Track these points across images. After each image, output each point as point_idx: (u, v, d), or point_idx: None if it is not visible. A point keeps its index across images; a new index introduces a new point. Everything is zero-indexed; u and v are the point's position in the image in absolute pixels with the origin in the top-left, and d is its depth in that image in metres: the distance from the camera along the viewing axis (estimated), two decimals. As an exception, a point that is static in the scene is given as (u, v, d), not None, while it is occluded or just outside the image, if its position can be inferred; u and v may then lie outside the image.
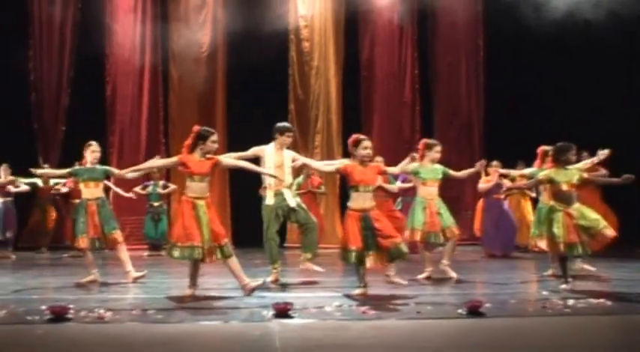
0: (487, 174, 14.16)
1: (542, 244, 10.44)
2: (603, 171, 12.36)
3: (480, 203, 15.21)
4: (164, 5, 18.34)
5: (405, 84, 18.56)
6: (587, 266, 11.51)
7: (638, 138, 15.30)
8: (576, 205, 9.90)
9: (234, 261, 9.41)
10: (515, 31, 14.92)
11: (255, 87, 17.27)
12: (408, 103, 18.50)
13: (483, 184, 14.13)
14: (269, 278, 10.63)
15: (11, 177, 14.38)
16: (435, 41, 18.72)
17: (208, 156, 9.45)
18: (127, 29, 18.12)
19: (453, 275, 11.10)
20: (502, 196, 14.31)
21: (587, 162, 11.25)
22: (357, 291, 9.35)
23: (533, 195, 14.73)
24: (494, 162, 14.34)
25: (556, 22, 13.53)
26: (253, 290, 9.33)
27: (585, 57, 15.50)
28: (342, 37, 18.51)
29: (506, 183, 13.78)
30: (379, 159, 13.78)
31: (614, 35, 13.69)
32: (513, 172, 12.95)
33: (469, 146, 18.25)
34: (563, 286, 9.78)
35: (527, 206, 15.64)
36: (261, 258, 11.32)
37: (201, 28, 18.15)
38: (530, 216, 14.76)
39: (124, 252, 11.01)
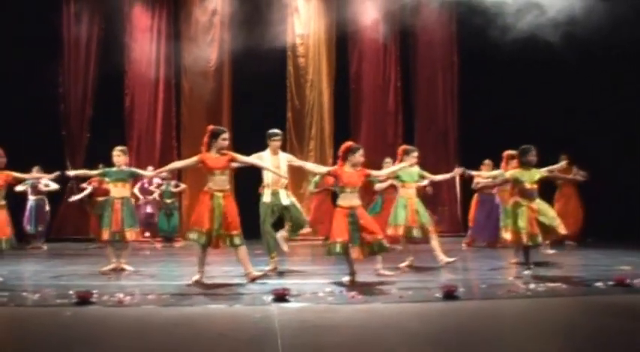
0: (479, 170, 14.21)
1: (507, 236, 10.47)
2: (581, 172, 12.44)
3: (475, 197, 15.17)
4: (176, 26, 18.36)
5: (389, 95, 18.58)
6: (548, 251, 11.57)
7: (592, 141, 15.36)
8: (537, 201, 9.98)
9: (242, 251, 9.46)
10: (485, 49, 14.94)
11: (257, 97, 17.26)
12: (391, 112, 18.52)
13: (482, 181, 14.00)
14: (268, 268, 10.66)
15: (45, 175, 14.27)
16: (415, 58, 18.72)
17: (223, 151, 9.49)
18: (144, 47, 18.14)
19: (451, 259, 11.11)
20: (494, 191, 14.31)
21: (550, 168, 11.24)
22: (347, 278, 9.38)
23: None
24: (486, 161, 14.38)
25: (520, 41, 13.56)
26: (255, 279, 9.37)
27: (546, 71, 15.53)
28: (333, 54, 18.53)
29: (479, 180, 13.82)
30: (388, 160, 13.92)
31: (569, 52, 13.72)
32: (484, 174, 12.94)
33: (445, 149, 18.27)
34: (526, 272, 9.85)
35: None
36: (261, 249, 11.32)
37: (209, 46, 18.17)
38: None
39: (127, 250, 11.18)
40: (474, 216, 15.00)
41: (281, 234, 11.07)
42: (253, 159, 10.27)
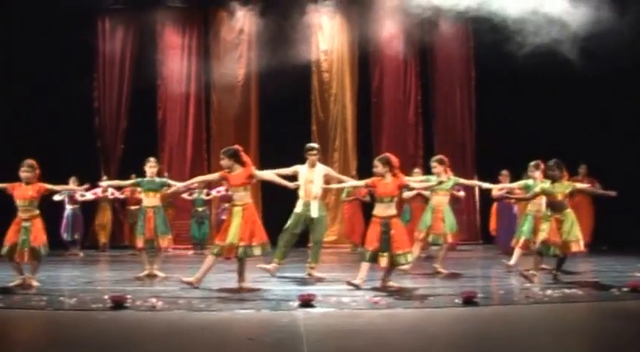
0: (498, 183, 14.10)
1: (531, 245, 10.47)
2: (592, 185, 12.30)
3: (494, 207, 15.12)
4: (206, 43, 18.43)
5: (409, 108, 18.54)
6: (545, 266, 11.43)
7: (606, 151, 15.28)
8: (567, 211, 9.81)
9: (243, 263, 9.56)
10: (501, 64, 14.83)
11: (283, 111, 17.31)
12: (411, 124, 18.48)
13: (497, 192, 13.95)
14: (268, 266, 10.67)
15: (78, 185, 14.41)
16: (434, 72, 18.67)
17: (245, 168, 9.50)
18: (175, 63, 18.23)
19: (444, 271, 11.11)
20: (512, 201, 14.28)
21: (581, 185, 11.08)
22: (355, 281, 9.22)
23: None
24: (504, 171, 14.32)
25: (535, 57, 13.49)
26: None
27: (561, 85, 15.44)
28: (356, 69, 18.53)
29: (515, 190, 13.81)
30: (417, 170, 14.33)
31: (584, 67, 13.61)
32: (508, 185, 12.84)
33: (462, 160, 18.14)
34: (535, 278, 9.69)
35: None
36: (290, 257, 11.25)
37: (237, 63, 18.21)
38: None
39: (159, 257, 11.24)
40: (496, 226, 14.94)
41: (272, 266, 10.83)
42: (272, 176, 10.17)
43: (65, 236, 15.85)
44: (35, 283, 9.79)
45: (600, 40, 12.67)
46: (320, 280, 10.53)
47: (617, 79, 15.04)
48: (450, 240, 11.20)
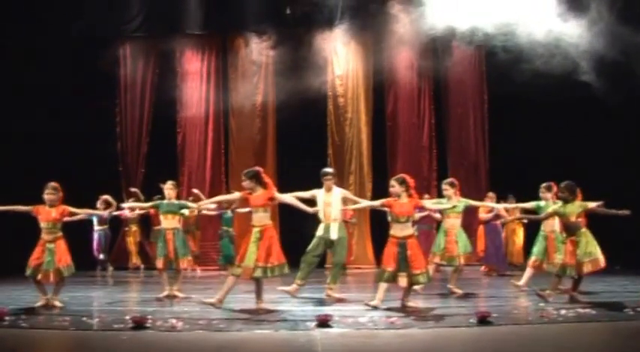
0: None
1: (545, 265, 10.42)
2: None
3: (481, 228, 15.08)
4: (225, 70, 18.51)
5: (424, 131, 18.52)
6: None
7: (618, 172, 15.24)
8: (583, 231, 9.73)
9: (260, 284, 9.48)
10: (513, 88, 14.83)
11: (300, 135, 17.37)
12: (426, 148, 18.45)
13: (485, 215, 14.16)
14: (288, 288, 10.61)
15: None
16: (447, 96, 18.66)
17: (266, 190, 9.48)
18: (195, 90, 18.34)
19: (459, 291, 11.05)
20: (499, 223, 14.33)
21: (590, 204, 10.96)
22: (373, 303, 9.29)
23: (525, 221, 14.63)
24: (490, 193, 14.37)
25: (548, 79, 13.48)
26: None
27: (573, 108, 15.43)
28: (370, 94, 18.53)
29: (503, 212, 13.77)
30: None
31: (596, 90, 13.57)
32: (520, 205, 12.74)
33: (476, 182, 18.10)
34: (550, 297, 9.62)
35: (520, 232, 15.63)
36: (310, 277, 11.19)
37: (255, 88, 18.26)
38: (521, 240, 14.94)
39: (178, 278, 11.23)
40: (485, 247, 14.89)
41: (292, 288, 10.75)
42: (292, 200, 10.14)
43: (102, 256, 15.96)
44: (58, 304, 9.81)
45: (614, 65, 12.66)
46: (339, 301, 10.47)
47: (630, 104, 14.98)
48: (463, 261, 11.16)
